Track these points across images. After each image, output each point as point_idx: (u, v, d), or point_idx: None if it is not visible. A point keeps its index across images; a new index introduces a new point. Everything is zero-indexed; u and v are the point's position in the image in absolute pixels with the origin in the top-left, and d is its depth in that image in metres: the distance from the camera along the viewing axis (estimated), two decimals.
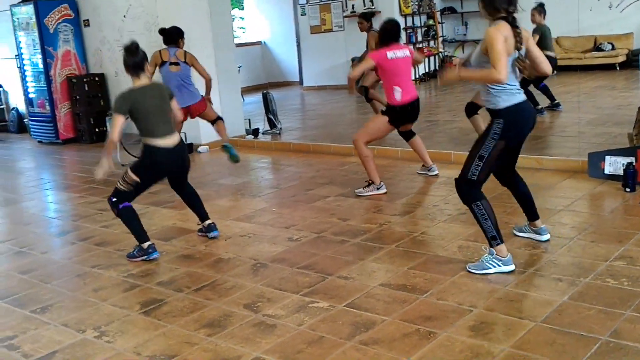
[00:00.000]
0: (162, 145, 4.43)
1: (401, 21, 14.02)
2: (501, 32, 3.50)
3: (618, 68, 13.28)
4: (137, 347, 3.23)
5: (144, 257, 4.46)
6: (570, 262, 3.84)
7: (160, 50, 6.91)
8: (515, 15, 3.62)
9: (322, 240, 4.65)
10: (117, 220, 5.40)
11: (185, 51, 6.94)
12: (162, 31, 6.94)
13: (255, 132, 9.12)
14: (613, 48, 13.42)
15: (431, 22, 14.97)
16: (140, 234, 4.50)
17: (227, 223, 5.21)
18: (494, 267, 3.74)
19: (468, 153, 3.81)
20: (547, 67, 3.85)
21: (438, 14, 15.21)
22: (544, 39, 8.91)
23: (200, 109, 6.97)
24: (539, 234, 4.20)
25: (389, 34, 5.65)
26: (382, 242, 4.47)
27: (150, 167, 4.51)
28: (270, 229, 5.03)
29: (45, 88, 10.09)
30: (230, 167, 7.33)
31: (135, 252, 4.51)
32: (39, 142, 10.62)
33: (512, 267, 3.75)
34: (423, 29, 14.80)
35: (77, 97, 10.08)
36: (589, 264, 3.78)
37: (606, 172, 5.37)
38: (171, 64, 6.83)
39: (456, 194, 3.89)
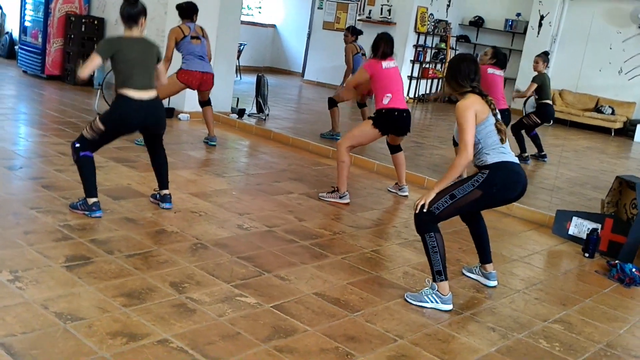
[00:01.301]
0: (136, 97, 4.28)
1: (414, 38, 13.95)
2: (470, 107, 3.59)
3: (613, 134, 13.29)
4: (47, 301, 3.09)
5: (85, 212, 4.31)
6: (508, 314, 3.75)
7: (179, 26, 6.81)
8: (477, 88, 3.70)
9: (272, 235, 4.53)
10: (72, 167, 5.25)
11: (201, 27, 6.92)
12: (179, 6, 6.88)
13: (241, 113, 8.97)
14: (613, 113, 13.42)
15: (443, 45, 14.89)
16: (90, 189, 4.34)
17: (182, 196, 5.07)
18: (431, 302, 3.65)
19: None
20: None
21: (452, 40, 15.15)
22: (544, 87, 8.87)
23: (211, 82, 6.95)
24: (487, 278, 4.12)
25: (386, 47, 5.58)
26: (330, 251, 4.36)
27: (119, 119, 4.35)
28: (223, 211, 4.89)
29: (42, 19, 9.85)
30: (203, 141, 7.18)
31: (78, 205, 4.35)
32: (23, 71, 10.38)
33: (449, 307, 3.65)
34: (433, 51, 14.72)
35: (72, 36, 9.86)
36: (527, 321, 3.70)
37: (570, 232, 5.30)
38: (192, 37, 6.75)
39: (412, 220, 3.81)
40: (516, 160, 3.77)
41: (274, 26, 17.09)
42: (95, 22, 9.95)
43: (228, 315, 3.23)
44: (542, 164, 8.76)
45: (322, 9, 14.94)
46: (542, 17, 14.14)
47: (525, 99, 9.86)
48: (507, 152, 3.72)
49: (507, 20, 14.91)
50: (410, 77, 14.27)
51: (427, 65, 14.60)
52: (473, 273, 4.20)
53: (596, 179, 8.20)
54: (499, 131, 3.69)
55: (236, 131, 8.32)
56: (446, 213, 3.64)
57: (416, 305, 3.65)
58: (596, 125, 13.43)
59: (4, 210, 4.25)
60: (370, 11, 14.05)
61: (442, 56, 15.00)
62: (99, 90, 8.32)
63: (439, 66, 15.03)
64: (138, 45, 4.37)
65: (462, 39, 15.48)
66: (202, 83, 6.84)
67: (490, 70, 6.76)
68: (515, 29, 14.80)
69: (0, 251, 3.58)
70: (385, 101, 5.49)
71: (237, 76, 11.76)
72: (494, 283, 4.11)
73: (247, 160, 7.13)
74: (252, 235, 4.46)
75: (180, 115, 8.36)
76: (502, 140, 3.70)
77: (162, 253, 3.90)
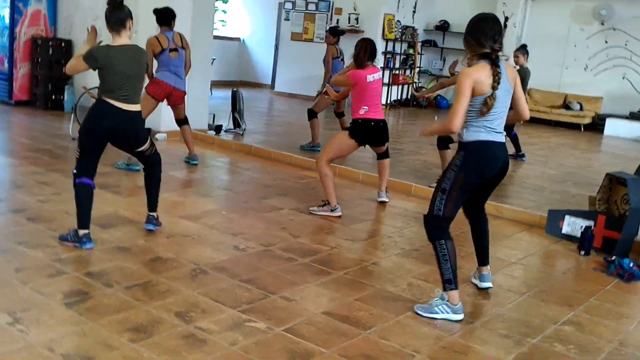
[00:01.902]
0: (117, 105, 4.11)
1: (382, 45, 14.00)
2: (471, 77, 3.41)
3: (583, 129, 13.52)
4: (52, 342, 2.95)
5: (76, 244, 4.15)
6: (518, 319, 3.73)
7: (156, 37, 6.51)
8: (500, 53, 3.50)
9: (269, 254, 4.44)
10: (55, 197, 5.12)
11: (180, 34, 6.67)
12: (157, 12, 6.63)
13: (218, 129, 8.85)
14: (581, 109, 13.65)
15: (411, 51, 14.99)
16: (83, 219, 4.17)
17: (172, 219, 4.94)
18: (442, 312, 3.60)
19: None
20: (526, 112, 3.81)
21: (419, 45, 15.25)
22: (524, 83, 8.94)
23: (181, 98, 6.73)
24: (481, 280, 4.08)
25: (368, 53, 5.57)
26: (330, 267, 4.29)
27: (93, 119, 4.13)
28: (216, 233, 4.78)
29: (7, 44, 9.60)
30: (184, 161, 7.05)
31: (69, 236, 4.20)
32: None
33: (460, 317, 3.61)
34: (402, 57, 14.79)
35: (39, 60, 9.63)
36: (538, 325, 3.67)
37: (563, 231, 5.32)
38: (171, 50, 6.52)
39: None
40: (494, 137, 3.54)
41: (239, 39, 17.00)
42: (63, 45, 9.74)
43: (240, 343, 3.12)
44: (521, 163, 8.82)
45: (289, 20, 14.90)
46: (506, 19, 14.32)
47: None
48: (484, 130, 3.52)
49: None
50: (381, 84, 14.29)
51: (397, 72, 14.66)
52: (474, 278, 4.17)
53: (575, 175, 8.30)
54: (485, 104, 3.45)
55: (215, 148, 8.20)
56: (448, 209, 3.56)
57: (426, 317, 3.60)
58: (565, 121, 13.65)
59: None
60: (338, 20, 14.07)
61: (411, 61, 15.09)
62: (72, 115, 8.10)
63: (408, 72, 15.12)
64: (128, 55, 4.18)
65: (428, 43, 15.60)
66: (170, 97, 6.58)
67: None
68: None
69: None
70: (362, 112, 5.48)
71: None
72: (487, 284, 4.06)
73: (231, 178, 7.02)
74: (249, 256, 4.36)
75: (157, 135, 8.20)
76: (481, 114, 3.48)
77: (161, 282, 3.77)
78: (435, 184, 3.79)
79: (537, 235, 5.50)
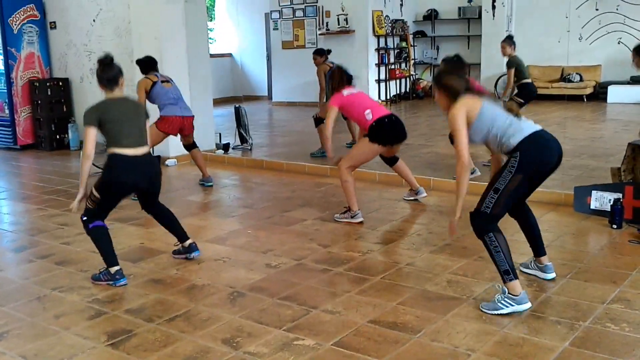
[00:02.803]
0: (129, 154, 4.12)
1: (374, 42, 13.97)
2: (461, 110, 3.58)
3: (585, 100, 13.46)
4: None
5: (109, 282, 4.12)
6: (566, 303, 3.67)
7: (146, 76, 6.64)
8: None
9: (303, 268, 4.39)
10: (80, 237, 5.08)
11: (167, 76, 6.85)
12: (140, 62, 6.76)
13: (226, 147, 8.82)
14: (581, 79, 13.60)
15: (404, 44, 14.95)
16: (109, 257, 4.15)
17: (199, 245, 4.88)
18: (507, 307, 3.52)
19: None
20: None
21: (410, 37, 15.21)
22: (520, 68, 8.86)
23: (192, 124, 6.79)
24: (544, 271, 4.01)
25: (341, 80, 5.65)
26: (366, 273, 4.24)
27: (115, 179, 4.14)
28: (246, 253, 4.74)
29: (5, 90, 9.59)
30: (198, 184, 7.01)
31: (101, 275, 4.16)
32: None
33: (527, 306, 3.54)
34: (396, 51, 14.76)
35: (39, 102, 9.63)
36: (587, 306, 3.62)
37: (592, 207, 5.27)
38: (162, 81, 6.61)
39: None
40: (538, 127, 3.61)
41: (230, 55, 16.98)
42: (60, 84, 9.74)
43: None
44: None
45: (277, 29, 14.89)
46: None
47: (496, 83, 9.93)
48: (525, 126, 3.58)
49: (460, 8, 15.04)
50: (379, 81, 14.28)
51: (393, 66, 14.62)
52: (529, 268, 4.09)
53: (589, 147, 8.24)
54: (509, 110, 3.66)
55: (226, 167, 8.16)
56: (498, 208, 3.53)
57: (492, 314, 3.53)
58: (567, 94, 13.59)
59: (25, 296, 4.04)
60: (327, 23, 14.05)
61: (405, 54, 15.05)
62: (81, 152, 8.07)
63: (403, 65, 15.08)
64: (124, 104, 4.24)
65: (419, 34, 15.57)
66: (183, 128, 6.67)
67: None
68: (470, 15, 14.93)
69: (37, 342, 3.38)
70: (369, 117, 5.39)
71: None
72: (552, 275, 3.99)
73: (248, 195, 6.97)
74: (284, 273, 4.31)
75: (167, 162, 8.18)
76: (511, 111, 3.65)
77: (201, 310, 3.73)
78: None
79: (566, 214, 5.44)
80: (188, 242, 4.57)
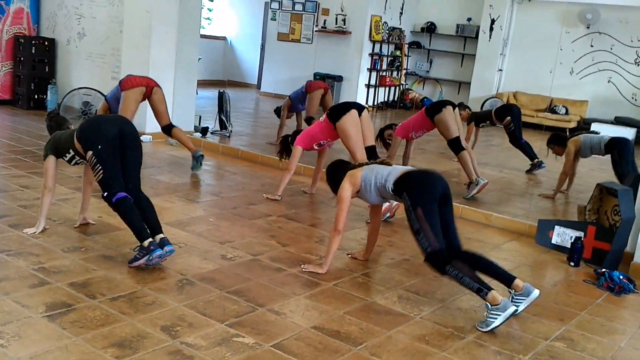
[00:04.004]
0: (98, 115, 4.17)
1: (369, 47, 13.96)
2: (345, 185, 4.20)
3: (568, 133, 13.56)
4: (33, 358, 2.85)
5: (146, 257, 3.90)
6: (511, 335, 3.68)
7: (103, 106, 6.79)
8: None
9: (258, 264, 4.36)
10: (37, 202, 4.98)
11: None
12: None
13: (204, 131, 8.75)
14: (567, 112, 13.71)
15: (398, 53, 14.96)
16: (140, 232, 3.97)
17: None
18: (496, 317, 3.56)
19: None
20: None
21: (406, 47, 15.23)
22: (480, 117, 9.12)
23: (158, 88, 6.65)
24: (529, 293, 3.85)
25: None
26: (320, 277, 4.21)
27: (94, 126, 4.15)
28: (204, 241, 4.69)
29: None
30: (170, 164, 6.94)
31: (137, 255, 3.95)
32: None
33: (512, 309, 3.58)
34: (389, 59, 14.76)
35: (22, 59, 9.47)
36: (530, 340, 3.63)
37: (553, 241, 5.30)
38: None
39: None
40: (408, 167, 4.16)
41: (224, 38, 16.87)
42: (46, 43, 9.58)
43: (227, 359, 3.05)
44: (509, 171, 8.79)
45: (275, 20, 14.81)
46: (492, 21, 14.36)
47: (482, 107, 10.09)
48: (397, 168, 4.11)
49: (458, 25, 15.09)
50: (368, 86, 14.27)
51: (384, 73, 14.62)
52: (518, 302, 3.86)
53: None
54: (382, 163, 4.27)
55: (202, 151, 8.05)
56: (433, 241, 3.75)
57: (489, 330, 3.57)
58: (551, 125, 13.69)
59: None
60: (325, 21, 14.00)
61: (398, 63, 15.07)
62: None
63: (395, 74, 15.09)
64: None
65: (415, 45, 15.58)
66: (148, 79, 6.58)
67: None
68: (467, 34, 14.98)
69: None
70: (322, 118, 5.90)
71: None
72: (537, 292, 3.87)
73: (218, 183, 6.91)
74: (237, 266, 4.27)
75: (142, 137, 8.06)
76: (385, 164, 4.23)
77: (147, 293, 3.68)
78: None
79: (527, 245, 5.47)
80: (160, 236, 4.14)
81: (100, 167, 4.03)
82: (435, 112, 6.86)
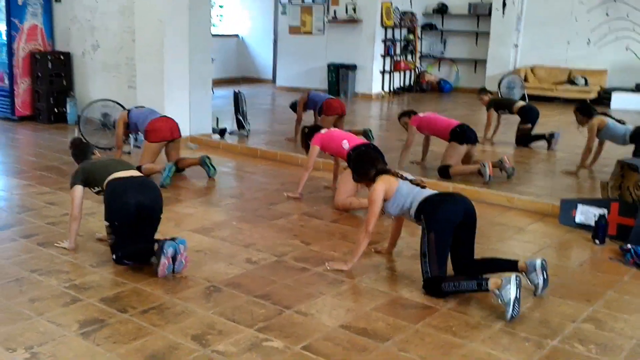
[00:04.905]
0: (123, 176, 4.29)
1: (381, 33, 13.91)
2: (380, 187, 4.14)
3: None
4: None
5: (162, 256, 3.99)
6: (538, 320, 3.69)
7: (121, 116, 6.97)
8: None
9: (282, 265, 4.42)
10: (65, 217, 5.10)
11: None
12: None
13: (222, 132, 8.82)
14: (586, 83, 13.53)
15: (411, 36, 14.88)
16: (146, 249, 4.14)
17: (184, 234, 4.90)
18: (508, 297, 3.57)
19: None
20: None
21: (418, 29, 15.13)
22: (501, 103, 9.09)
23: (179, 129, 6.74)
24: (534, 266, 3.91)
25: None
26: (345, 274, 4.26)
27: (118, 200, 4.17)
28: (228, 246, 4.76)
29: (7, 61, 9.58)
30: (191, 169, 7.01)
31: (155, 262, 4.07)
32: None
33: (515, 281, 3.57)
34: (402, 43, 14.68)
35: (39, 74, 9.61)
36: (557, 324, 3.64)
37: (577, 220, 5.27)
38: (136, 107, 6.93)
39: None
40: (429, 192, 4.09)
41: (237, 36, 16.92)
42: (62, 57, 9.72)
43: None
44: (528, 150, 8.70)
45: (285, 14, 14.81)
46: None
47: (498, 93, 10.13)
48: (423, 192, 4.08)
49: (470, 4, 14.95)
50: (383, 72, 14.23)
51: (398, 58, 14.56)
52: (532, 281, 3.94)
53: None
54: (417, 184, 4.17)
55: (221, 152, 8.16)
56: (435, 267, 3.88)
57: (513, 311, 3.57)
58: (571, 97, 13.50)
59: (3, 277, 4.07)
60: (335, 11, 13.97)
61: (412, 47, 14.99)
62: (76, 128, 8.12)
63: (409, 57, 15.01)
64: (102, 159, 4.68)
65: (428, 27, 15.47)
66: (173, 129, 6.62)
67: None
68: (480, 12, 14.83)
69: (11, 326, 3.41)
70: (346, 146, 5.75)
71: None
72: (538, 262, 3.91)
73: (238, 184, 6.98)
74: (262, 269, 4.34)
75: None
76: (419, 186, 4.15)
77: (176, 303, 3.76)
78: None
79: (551, 225, 5.44)
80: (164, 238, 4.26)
81: (113, 236, 4.20)
82: (455, 139, 6.83)
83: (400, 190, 4.13)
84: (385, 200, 4.17)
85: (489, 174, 6.46)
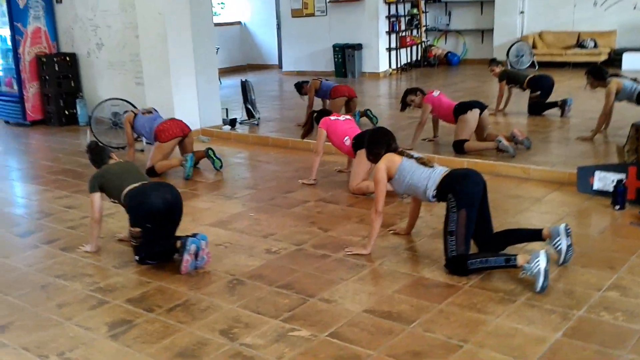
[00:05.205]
0: (138, 185, 4.34)
1: (385, 9, 13.78)
2: (382, 167, 4.17)
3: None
4: None
5: (185, 253, 4.05)
6: (562, 291, 3.68)
7: (131, 110, 7.13)
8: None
9: (302, 253, 4.43)
10: (85, 220, 5.16)
11: None
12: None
13: (233, 123, 8.82)
14: (595, 46, 13.33)
15: (415, 10, 14.72)
16: (169, 247, 4.20)
17: (202, 229, 4.93)
18: (538, 267, 3.60)
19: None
20: None
21: (422, 3, 14.96)
22: (515, 77, 8.95)
23: (187, 127, 6.78)
24: (558, 232, 3.92)
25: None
26: (365, 259, 4.27)
27: (143, 206, 4.22)
28: (247, 237, 4.79)
29: (14, 66, 9.63)
30: (205, 161, 7.03)
31: (179, 259, 4.12)
32: (5, 122, 10.17)
33: (544, 254, 3.61)
34: (407, 18, 14.54)
35: (47, 77, 9.66)
36: (581, 294, 3.63)
37: (595, 187, 5.23)
38: (143, 113, 6.87)
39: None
40: (445, 169, 4.07)
41: (240, 23, 16.85)
42: (68, 59, 9.76)
43: (287, 355, 3.14)
44: (541, 118, 8.61)
45: None
46: None
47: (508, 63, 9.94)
48: (439, 170, 4.07)
49: None
50: (389, 49, 14.12)
51: (404, 34, 14.43)
52: (555, 247, 3.95)
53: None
54: (423, 163, 4.13)
55: (233, 143, 8.17)
56: (462, 246, 3.84)
57: (543, 282, 3.59)
58: (581, 61, 13.32)
59: (28, 284, 4.13)
60: None
61: (417, 22, 14.84)
62: (88, 129, 8.16)
63: (415, 32, 14.88)
64: (120, 163, 4.64)
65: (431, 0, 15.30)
66: (183, 126, 6.65)
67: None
68: None
69: (41, 333, 3.47)
70: (348, 143, 5.82)
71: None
72: (562, 227, 3.93)
73: (252, 174, 6.99)
74: (283, 259, 4.36)
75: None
76: (425, 164, 4.12)
77: (201, 299, 3.79)
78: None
79: (569, 194, 5.40)
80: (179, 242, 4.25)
81: (141, 239, 4.25)
82: (460, 113, 6.80)
83: (403, 167, 4.14)
84: (390, 178, 4.20)
85: (511, 147, 6.42)
